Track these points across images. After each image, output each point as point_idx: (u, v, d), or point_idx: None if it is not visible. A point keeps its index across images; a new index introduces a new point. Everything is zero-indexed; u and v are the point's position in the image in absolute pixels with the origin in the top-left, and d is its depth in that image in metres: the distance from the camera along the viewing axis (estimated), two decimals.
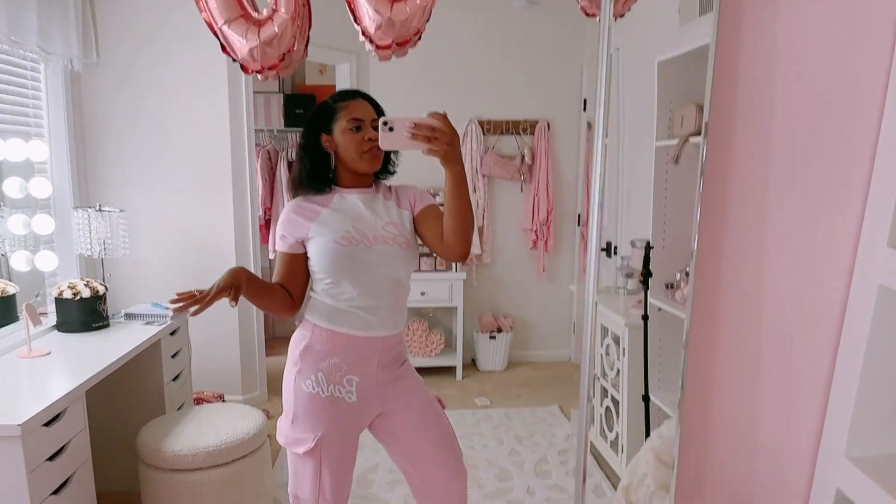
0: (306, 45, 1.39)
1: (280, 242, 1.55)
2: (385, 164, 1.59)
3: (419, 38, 1.39)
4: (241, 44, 1.29)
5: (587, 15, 1.42)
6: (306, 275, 1.57)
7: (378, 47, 1.37)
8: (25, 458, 1.57)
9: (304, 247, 1.52)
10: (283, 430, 1.55)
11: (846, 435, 0.93)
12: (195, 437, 2.06)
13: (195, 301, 1.33)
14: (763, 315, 0.96)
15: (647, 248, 2.03)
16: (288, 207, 1.55)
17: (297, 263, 1.54)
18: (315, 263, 1.51)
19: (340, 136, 1.50)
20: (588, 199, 3.99)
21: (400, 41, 1.34)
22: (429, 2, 1.36)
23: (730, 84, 0.94)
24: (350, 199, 1.54)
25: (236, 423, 2.15)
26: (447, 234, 1.46)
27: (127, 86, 2.97)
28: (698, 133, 1.91)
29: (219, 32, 1.30)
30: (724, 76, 0.95)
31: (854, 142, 0.89)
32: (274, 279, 1.57)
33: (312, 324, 1.53)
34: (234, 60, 1.35)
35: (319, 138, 1.52)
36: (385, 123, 1.30)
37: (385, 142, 1.32)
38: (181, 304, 1.33)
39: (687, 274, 2.07)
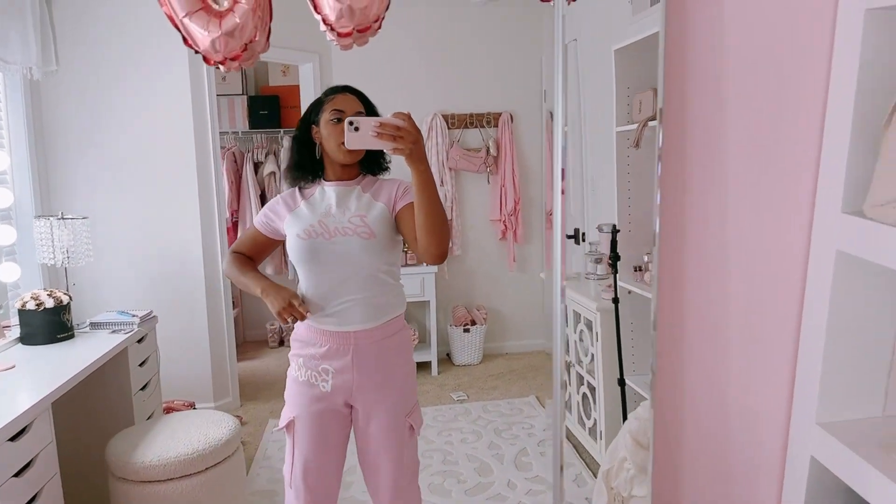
0: (268, 37, 1.38)
1: (259, 218, 1.66)
2: (379, 160, 1.63)
3: (379, 26, 1.39)
4: (203, 35, 1.27)
5: (542, 0, 1.44)
6: (265, 255, 1.70)
7: (340, 35, 1.37)
8: None
9: (279, 234, 1.64)
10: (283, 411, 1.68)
11: (816, 402, 0.94)
12: (166, 446, 2.01)
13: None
14: (728, 287, 0.98)
15: (614, 231, 2.06)
16: (282, 194, 1.65)
17: (264, 244, 1.67)
18: (289, 253, 1.60)
19: (323, 127, 1.55)
20: (550, 190, 4.03)
21: (360, 28, 1.34)
22: None
23: (680, 68, 0.96)
24: (327, 192, 1.60)
25: (208, 430, 2.11)
26: (420, 233, 1.45)
27: (87, 92, 2.90)
28: (654, 118, 1.95)
29: (180, 25, 1.28)
30: (674, 61, 0.97)
31: (804, 115, 0.91)
32: (235, 246, 1.68)
33: None
34: (197, 52, 1.33)
35: (310, 129, 1.59)
36: (350, 123, 1.34)
37: (351, 141, 1.35)
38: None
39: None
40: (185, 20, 1.27)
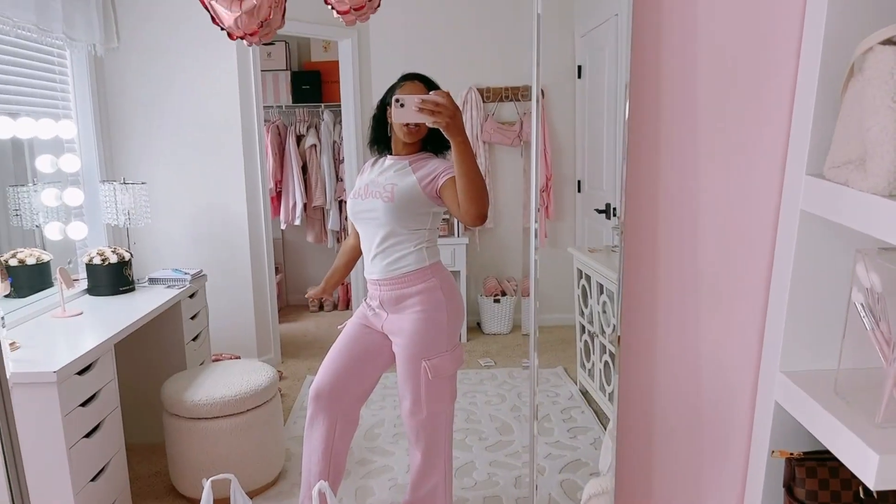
0: (283, 14, 1.57)
1: None
2: (440, 138, 1.81)
3: (377, 5, 1.56)
4: (227, 14, 1.47)
5: None
6: None
7: (339, 12, 1.55)
8: (60, 402, 1.75)
9: None
10: None
11: (780, 352, 1.04)
12: (212, 388, 2.24)
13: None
14: (700, 245, 1.07)
15: None
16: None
17: None
18: None
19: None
20: (582, 164, 4.05)
21: (356, 6, 1.52)
22: None
23: (653, 36, 1.04)
24: (387, 163, 1.89)
25: (250, 377, 2.32)
26: (461, 198, 1.67)
27: (145, 67, 3.12)
28: None
29: (209, 6, 1.49)
30: (645, 29, 1.04)
31: (776, 80, 0.99)
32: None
33: None
34: (222, 29, 1.53)
35: (384, 110, 1.86)
36: (397, 100, 1.55)
37: (398, 116, 1.57)
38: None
39: None
40: (213, 2, 1.48)
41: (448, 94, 1.56)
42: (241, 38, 1.53)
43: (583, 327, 3.24)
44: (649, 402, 1.14)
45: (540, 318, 4.78)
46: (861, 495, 0.95)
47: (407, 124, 1.77)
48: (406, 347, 1.89)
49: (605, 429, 2.97)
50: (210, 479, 1.77)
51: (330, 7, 1.55)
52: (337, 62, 4.28)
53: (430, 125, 1.59)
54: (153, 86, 3.14)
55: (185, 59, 3.14)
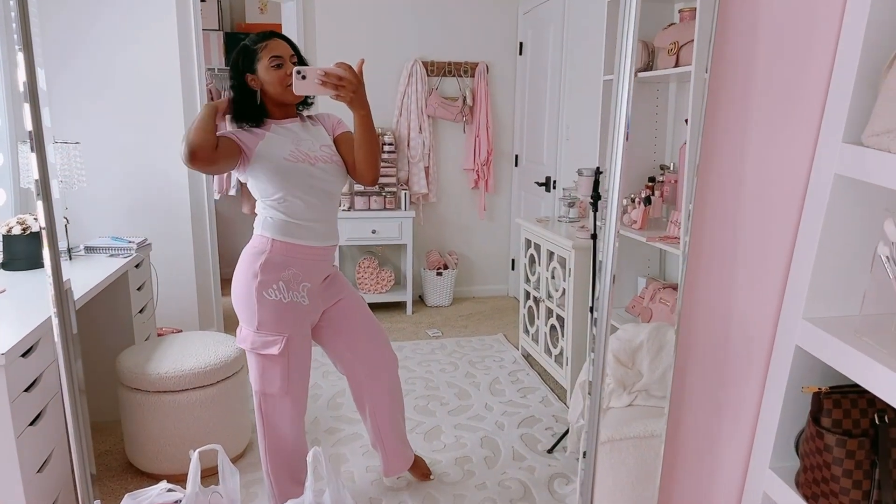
0: None
1: (229, 133, 1.65)
2: (305, 98, 1.76)
3: None
4: None
5: None
6: (221, 161, 1.62)
7: None
8: (8, 388, 1.53)
9: (240, 152, 1.63)
10: (248, 336, 1.72)
11: (804, 301, 1.14)
12: (179, 360, 2.12)
13: None
14: (741, 207, 1.18)
15: (597, 173, 2.27)
16: (240, 128, 1.68)
17: (230, 149, 1.61)
18: (266, 180, 1.66)
19: (265, 74, 1.65)
20: (520, 141, 4.18)
21: None
22: None
23: (723, 30, 1.13)
24: (286, 126, 1.71)
25: (216, 348, 2.23)
26: (358, 162, 1.70)
27: (70, 16, 2.81)
28: (645, 69, 2.14)
29: None
30: (721, 25, 1.14)
31: (816, 63, 1.11)
32: None
33: (270, 238, 1.69)
34: None
35: (245, 78, 1.67)
36: (298, 72, 1.52)
37: (298, 87, 1.52)
38: None
39: (633, 199, 2.33)
40: None
41: (350, 67, 1.52)
42: None
43: (527, 294, 3.37)
44: (689, 335, 1.26)
45: (476, 290, 4.89)
46: (876, 421, 1.10)
47: (291, 84, 1.58)
48: (354, 297, 1.92)
49: (550, 388, 3.14)
50: (198, 451, 1.70)
51: None
52: (272, 25, 4.09)
53: (333, 98, 1.53)
54: (80, 38, 2.83)
55: (118, 9, 2.87)
